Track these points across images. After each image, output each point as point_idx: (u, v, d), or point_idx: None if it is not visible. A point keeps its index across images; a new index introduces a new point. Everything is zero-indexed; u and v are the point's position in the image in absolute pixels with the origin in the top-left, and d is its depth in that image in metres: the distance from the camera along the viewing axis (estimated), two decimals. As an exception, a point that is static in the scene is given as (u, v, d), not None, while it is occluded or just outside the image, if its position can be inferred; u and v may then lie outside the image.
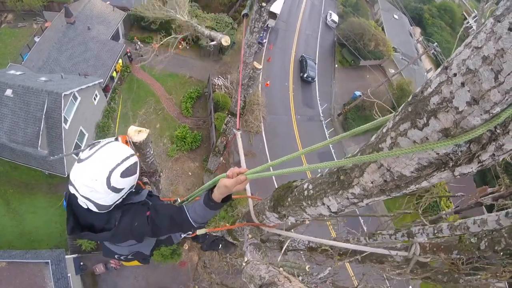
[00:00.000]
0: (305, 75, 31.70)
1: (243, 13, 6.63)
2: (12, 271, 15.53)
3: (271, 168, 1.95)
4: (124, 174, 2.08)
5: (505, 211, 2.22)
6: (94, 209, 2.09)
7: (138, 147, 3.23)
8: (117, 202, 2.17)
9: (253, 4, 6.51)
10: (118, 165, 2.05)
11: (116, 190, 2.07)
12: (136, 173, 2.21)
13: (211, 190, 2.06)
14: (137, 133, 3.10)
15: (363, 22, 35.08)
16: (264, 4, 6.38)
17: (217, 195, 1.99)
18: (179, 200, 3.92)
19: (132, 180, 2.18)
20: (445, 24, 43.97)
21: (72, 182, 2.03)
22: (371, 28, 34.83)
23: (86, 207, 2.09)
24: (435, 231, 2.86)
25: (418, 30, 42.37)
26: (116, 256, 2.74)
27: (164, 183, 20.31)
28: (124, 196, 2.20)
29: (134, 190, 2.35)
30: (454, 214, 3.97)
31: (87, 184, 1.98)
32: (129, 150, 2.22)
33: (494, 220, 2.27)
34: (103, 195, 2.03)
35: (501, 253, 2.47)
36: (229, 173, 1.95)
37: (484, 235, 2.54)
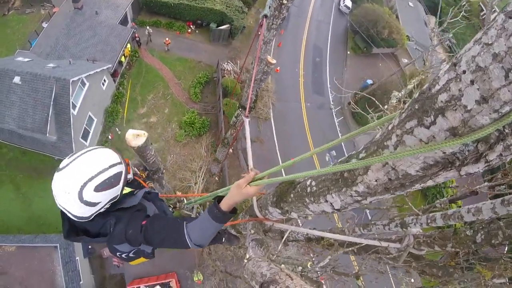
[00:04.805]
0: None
1: (262, 14, 6.42)
2: (21, 255, 15.94)
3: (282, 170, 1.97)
4: (100, 188, 1.95)
5: (501, 198, 2.14)
6: (73, 218, 2.01)
7: (138, 151, 3.21)
8: (102, 210, 2.07)
9: (273, 2, 6.29)
10: (92, 178, 1.92)
11: (90, 204, 1.96)
12: (117, 184, 2.08)
13: (219, 199, 1.99)
14: (135, 137, 3.06)
15: (377, 9, 34.06)
16: (285, 1, 6.13)
17: (226, 201, 1.92)
18: (185, 201, 3.89)
19: (110, 193, 2.05)
20: (461, 14, 42.69)
21: (52, 190, 1.96)
22: (385, 15, 33.80)
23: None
24: (429, 221, 2.82)
25: (433, 19, 40.98)
26: (118, 253, 2.71)
27: (172, 169, 20.42)
28: (106, 206, 2.09)
29: (128, 193, 2.33)
30: (449, 203, 3.95)
31: (61, 196, 1.91)
32: (111, 159, 2.07)
33: (489, 208, 2.21)
34: (76, 208, 1.94)
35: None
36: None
37: (481, 227, 2.51)
